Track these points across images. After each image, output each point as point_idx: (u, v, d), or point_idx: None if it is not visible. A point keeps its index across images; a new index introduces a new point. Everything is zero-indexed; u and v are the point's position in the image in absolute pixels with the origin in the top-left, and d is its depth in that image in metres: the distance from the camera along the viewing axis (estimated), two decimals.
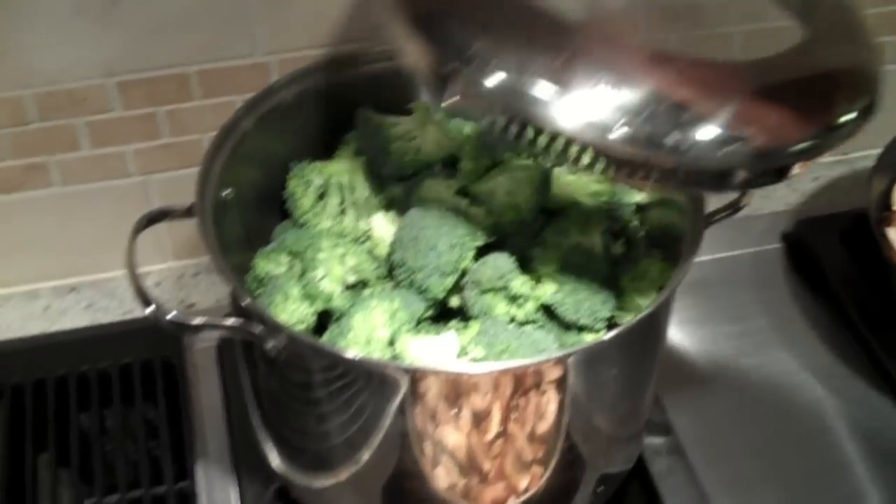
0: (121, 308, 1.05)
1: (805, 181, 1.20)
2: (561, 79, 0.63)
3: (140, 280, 0.73)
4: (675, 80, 0.65)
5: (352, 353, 0.69)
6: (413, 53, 0.67)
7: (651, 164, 0.65)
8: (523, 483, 0.79)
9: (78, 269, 1.06)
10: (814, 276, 1.08)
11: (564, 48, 0.65)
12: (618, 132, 0.63)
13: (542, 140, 0.64)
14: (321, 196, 0.83)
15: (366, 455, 0.76)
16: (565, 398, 0.73)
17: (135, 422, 0.94)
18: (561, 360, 0.70)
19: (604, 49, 0.66)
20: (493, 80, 0.64)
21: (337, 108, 0.86)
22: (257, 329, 0.71)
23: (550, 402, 0.73)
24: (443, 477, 0.76)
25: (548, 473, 0.78)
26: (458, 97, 0.66)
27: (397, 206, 0.81)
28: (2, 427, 0.93)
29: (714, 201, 0.79)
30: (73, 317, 1.05)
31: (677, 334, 1.03)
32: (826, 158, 1.17)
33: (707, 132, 0.64)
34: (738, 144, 0.65)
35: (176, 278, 1.08)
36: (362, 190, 0.82)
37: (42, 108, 0.95)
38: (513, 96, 0.64)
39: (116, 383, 0.96)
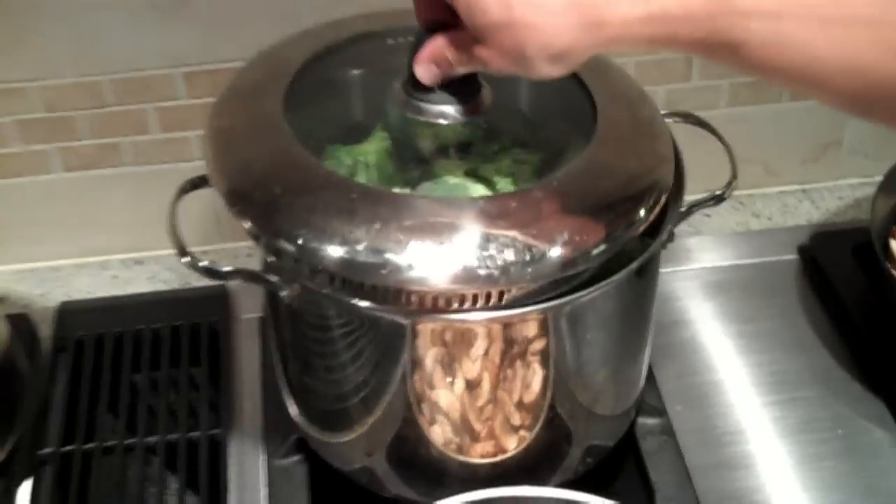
0: (180, 281, 1.16)
1: (829, 199, 1.26)
2: (379, 243, 0.73)
3: (179, 233, 0.82)
4: (480, 217, 0.75)
5: (355, 300, 0.78)
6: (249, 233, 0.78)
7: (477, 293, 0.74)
8: (514, 439, 0.87)
9: (144, 245, 1.18)
10: (824, 286, 1.14)
11: (378, 216, 0.75)
12: (430, 276, 0.73)
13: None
14: (351, 175, 0.92)
15: (371, 402, 0.85)
16: (551, 345, 0.81)
17: (179, 378, 1.04)
18: (546, 311, 0.78)
19: (412, 208, 0.77)
20: (327, 255, 0.74)
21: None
22: (274, 278, 0.81)
23: (537, 351, 0.81)
24: (438, 430, 0.85)
25: (537, 426, 0.87)
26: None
27: (414, 184, 0.90)
28: (64, 377, 1.04)
29: (695, 191, 0.87)
30: (137, 286, 1.16)
31: (688, 328, 1.11)
32: (851, 179, 1.25)
33: (511, 257, 0.73)
34: (542, 261, 0.73)
35: (231, 258, 1.18)
36: (387, 169, 0.91)
37: (117, 92, 1.06)
38: (341, 265, 0.74)
39: (166, 342, 1.07)
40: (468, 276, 0.73)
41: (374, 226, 0.74)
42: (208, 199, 1.09)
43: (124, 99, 1.07)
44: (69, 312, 1.10)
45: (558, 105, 0.90)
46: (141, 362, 1.05)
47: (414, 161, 0.91)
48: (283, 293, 0.81)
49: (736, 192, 1.19)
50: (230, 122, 0.85)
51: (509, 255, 0.73)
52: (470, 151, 0.90)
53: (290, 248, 0.75)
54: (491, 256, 0.73)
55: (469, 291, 0.74)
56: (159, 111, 1.08)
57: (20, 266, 1.16)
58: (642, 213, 0.78)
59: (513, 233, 0.74)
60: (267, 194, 0.78)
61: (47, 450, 0.97)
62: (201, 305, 1.10)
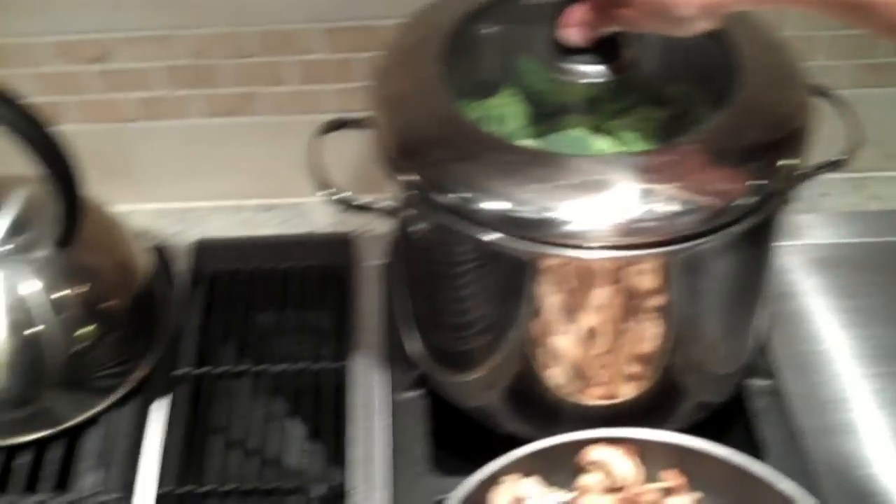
0: (309, 227, 1.22)
1: None
2: (540, 200, 0.78)
3: (322, 168, 0.88)
4: (636, 172, 0.78)
5: (482, 233, 0.82)
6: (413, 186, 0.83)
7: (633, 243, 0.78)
8: (628, 387, 0.91)
9: (276, 192, 1.23)
10: None
11: (538, 175, 0.79)
12: (590, 231, 0.77)
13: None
14: None
15: (492, 342, 0.90)
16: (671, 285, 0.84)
17: (306, 315, 1.10)
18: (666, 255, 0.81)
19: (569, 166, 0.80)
20: (491, 212, 0.79)
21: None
22: (408, 213, 0.85)
23: (656, 303, 0.84)
24: (556, 372, 0.89)
25: (651, 376, 0.90)
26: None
27: (542, 137, 0.94)
28: (198, 307, 1.10)
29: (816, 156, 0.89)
30: (267, 230, 1.22)
31: (796, 300, 1.13)
32: None
33: (668, 209, 0.77)
34: (693, 213, 0.77)
35: None
36: (514, 122, 0.94)
37: (260, 44, 1.12)
38: (511, 222, 0.79)
39: (294, 282, 1.12)
40: (628, 230, 0.77)
41: (535, 183, 0.79)
42: (338, 150, 1.14)
43: (267, 51, 1.12)
44: (206, 249, 1.17)
45: (686, 63, 0.93)
46: (270, 298, 1.11)
47: (541, 116, 0.94)
48: (416, 228, 0.85)
49: (854, 174, 1.22)
50: (393, 86, 0.90)
51: (667, 208, 0.77)
52: (597, 108, 0.93)
53: (454, 204, 0.80)
54: (649, 210, 0.77)
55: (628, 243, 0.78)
56: (299, 64, 1.13)
57: (159, 205, 1.23)
58: (789, 160, 0.81)
59: (668, 186, 0.78)
60: (432, 153, 0.83)
61: (182, 371, 1.03)
62: (328, 250, 1.16)
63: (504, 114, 0.95)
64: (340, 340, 1.07)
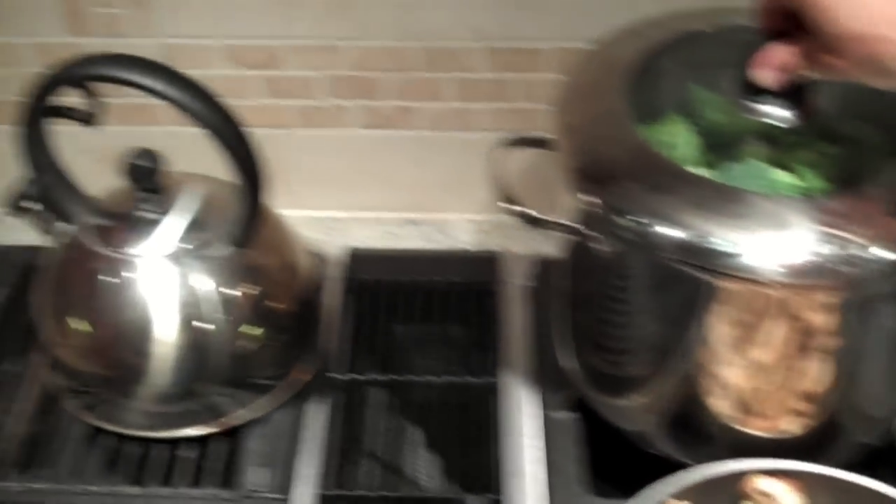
0: (450, 244, 1.24)
1: None
2: (733, 234, 0.79)
3: (503, 181, 0.90)
4: (817, 215, 0.79)
5: (670, 256, 0.82)
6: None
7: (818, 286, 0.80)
8: (789, 421, 0.91)
9: (422, 206, 1.25)
10: None
11: (720, 209, 0.81)
12: (779, 267, 0.78)
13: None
14: None
15: (658, 365, 0.90)
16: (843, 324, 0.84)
17: (454, 330, 1.12)
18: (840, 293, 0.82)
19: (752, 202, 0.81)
20: (674, 240, 0.80)
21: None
22: (585, 233, 0.86)
23: (826, 342, 0.85)
24: (721, 402, 0.89)
25: (812, 414, 0.90)
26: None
27: (714, 166, 0.94)
28: (351, 315, 1.12)
29: None
30: (409, 244, 1.24)
31: None
32: None
33: (844, 253, 0.78)
34: (870, 260, 0.78)
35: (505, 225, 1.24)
36: (687, 149, 0.95)
37: (421, 59, 1.14)
38: (694, 251, 0.80)
39: (442, 296, 1.14)
40: (805, 271, 0.78)
41: (721, 218, 0.80)
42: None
43: (428, 66, 1.14)
44: (359, 258, 1.19)
45: (863, 104, 0.93)
46: (418, 311, 1.13)
47: (714, 145, 0.95)
48: (594, 248, 0.86)
49: None
50: (577, 113, 0.91)
51: (845, 252, 0.78)
52: (774, 139, 0.94)
53: (640, 229, 0.81)
54: (828, 253, 0.78)
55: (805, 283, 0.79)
56: (458, 81, 1.15)
57: (307, 212, 1.24)
58: None
59: (848, 231, 0.78)
60: (619, 181, 0.85)
61: (339, 376, 1.05)
62: (475, 267, 1.17)
63: (676, 141, 0.95)
64: (487, 357, 1.08)
